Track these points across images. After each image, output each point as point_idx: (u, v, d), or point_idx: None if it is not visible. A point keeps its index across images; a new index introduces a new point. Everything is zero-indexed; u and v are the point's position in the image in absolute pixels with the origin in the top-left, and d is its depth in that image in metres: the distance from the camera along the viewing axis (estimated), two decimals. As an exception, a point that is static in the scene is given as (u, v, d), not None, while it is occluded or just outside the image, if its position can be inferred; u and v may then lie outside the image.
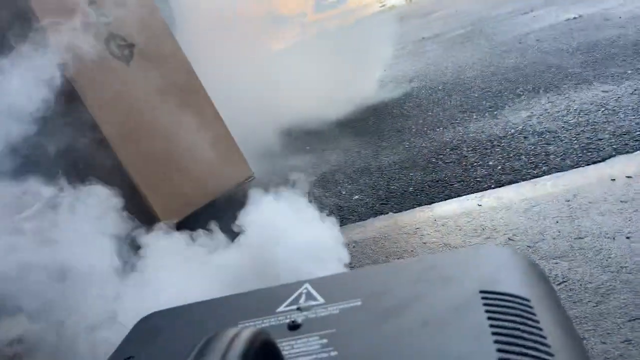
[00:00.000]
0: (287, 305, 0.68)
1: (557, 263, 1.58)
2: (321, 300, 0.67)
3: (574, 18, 4.75)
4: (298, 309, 0.67)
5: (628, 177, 1.91)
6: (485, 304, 0.56)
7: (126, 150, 2.36)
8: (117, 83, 2.43)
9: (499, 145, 2.54)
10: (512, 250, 0.67)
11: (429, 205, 2.21)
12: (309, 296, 0.69)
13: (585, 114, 2.56)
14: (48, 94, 1.95)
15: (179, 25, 3.40)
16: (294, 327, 0.63)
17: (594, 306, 1.38)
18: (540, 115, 2.74)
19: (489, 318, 0.54)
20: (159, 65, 2.64)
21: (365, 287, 0.67)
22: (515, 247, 1.73)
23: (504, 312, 0.55)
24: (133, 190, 2.32)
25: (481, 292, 0.58)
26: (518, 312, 0.55)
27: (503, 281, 0.60)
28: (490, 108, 3.11)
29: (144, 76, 2.54)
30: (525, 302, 0.57)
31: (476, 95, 3.45)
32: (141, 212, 2.21)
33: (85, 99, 2.26)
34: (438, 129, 3.05)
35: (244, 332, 0.46)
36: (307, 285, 0.71)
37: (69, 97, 2.19)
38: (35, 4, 2.16)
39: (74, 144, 2.15)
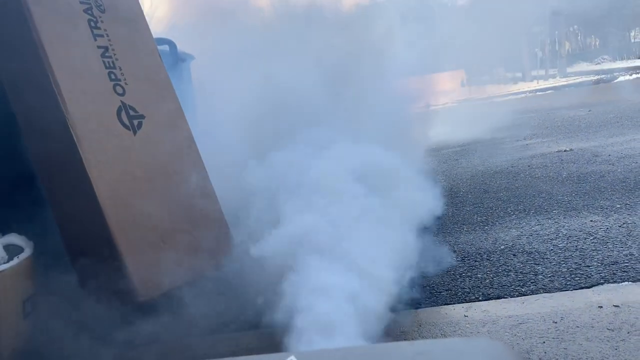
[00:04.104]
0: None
1: (542, 385, 1.52)
2: (306, 375, 0.63)
3: (565, 151, 4.99)
4: None
5: (615, 306, 1.90)
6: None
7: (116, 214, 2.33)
8: (120, 149, 2.46)
9: (488, 260, 2.54)
10: (505, 346, 0.66)
11: (414, 310, 2.16)
12: (294, 370, 0.64)
13: (574, 240, 2.59)
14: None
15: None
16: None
17: None
18: (530, 235, 2.77)
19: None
20: (163, 138, 2.68)
21: (353, 366, 0.63)
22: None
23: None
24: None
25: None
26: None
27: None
28: (481, 222, 3.15)
29: (148, 146, 2.58)
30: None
31: (468, 209, 3.51)
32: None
33: (86, 159, 2.27)
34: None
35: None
36: (292, 358, 0.67)
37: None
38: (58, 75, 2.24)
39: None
